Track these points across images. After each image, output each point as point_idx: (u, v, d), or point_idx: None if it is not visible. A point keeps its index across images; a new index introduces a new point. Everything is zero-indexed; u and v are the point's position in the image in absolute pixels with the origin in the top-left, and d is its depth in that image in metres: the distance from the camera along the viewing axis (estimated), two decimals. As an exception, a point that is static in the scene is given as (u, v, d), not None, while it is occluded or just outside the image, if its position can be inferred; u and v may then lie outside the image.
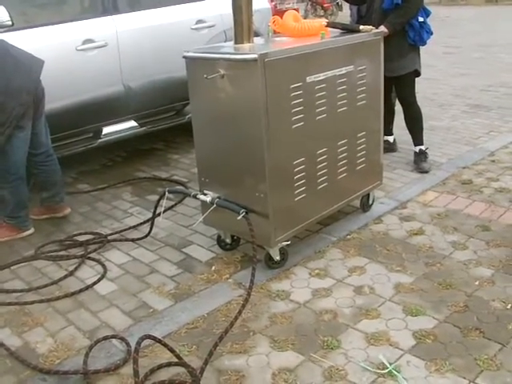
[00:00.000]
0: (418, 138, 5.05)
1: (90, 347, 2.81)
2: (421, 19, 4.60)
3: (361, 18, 4.73)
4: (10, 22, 4.07)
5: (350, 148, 3.76)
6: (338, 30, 3.80)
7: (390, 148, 5.33)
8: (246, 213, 3.25)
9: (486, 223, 3.93)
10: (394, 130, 5.43)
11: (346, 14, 6.02)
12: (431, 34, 4.71)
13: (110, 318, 3.11)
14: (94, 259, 3.74)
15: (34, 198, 4.31)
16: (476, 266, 3.40)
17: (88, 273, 3.60)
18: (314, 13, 16.19)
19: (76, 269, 3.63)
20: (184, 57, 3.37)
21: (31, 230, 4.14)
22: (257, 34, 4.20)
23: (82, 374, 2.65)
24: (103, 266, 3.64)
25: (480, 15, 17.23)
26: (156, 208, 3.83)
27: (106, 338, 2.89)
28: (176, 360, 2.70)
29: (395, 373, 2.55)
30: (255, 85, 3.05)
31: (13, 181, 3.92)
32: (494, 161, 5.14)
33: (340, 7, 16.67)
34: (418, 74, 4.83)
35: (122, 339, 2.87)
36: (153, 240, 3.95)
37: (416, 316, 2.96)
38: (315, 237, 3.86)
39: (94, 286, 3.43)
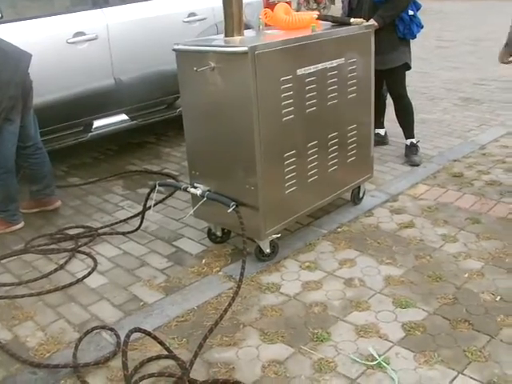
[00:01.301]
0: (409, 131, 5.06)
1: (80, 339, 2.82)
2: (411, 13, 4.60)
3: (351, 11, 4.73)
4: (-1, 15, 4.06)
5: (341, 141, 3.76)
6: (329, 23, 3.80)
7: (381, 141, 5.33)
8: (237, 206, 3.25)
9: (477, 216, 3.94)
10: (386, 123, 5.44)
11: (338, 8, 6.02)
12: (421, 27, 4.72)
13: (101, 312, 3.10)
14: (84, 253, 3.73)
15: (23, 192, 4.30)
16: (466, 259, 3.42)
17: (78, 266, 3.59)
18: (306, 6, 16.15)
19: (66, 262, 3.62)
20: (174, 49, 3.36)
21: (21, 224, 4.12)
22: (248, 27, 4.19)
23: (72, 367, 2.65)
24: (94, 259, 3.64)
25: (473, 9, 17.22)
26: (146, 201, 3.82)
27: (95, 329, 2.91)
28: (166, 353, 2.70)
29: (384, 365, 2.57)
30: (245, 77, 3.04)
31: (1, 174, 3.90)
32: (484, 154, 5.15)
33: (332, 0, 16.63)
34: (408, 67, 4.83)
35: (112, 330, 2.88)
36: (143, 233, 3.95)
37: (405, 308, 2.97)
38: (306, 230, 3.86)
39: (85, 280, 3.43)
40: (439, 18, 15.22)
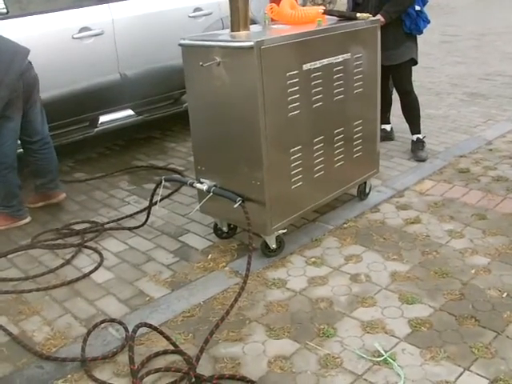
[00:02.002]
0: (415, 127, 5.05)
1: (88, 332, 2.83)
2: (417, 8, 4.57)
3: (357, 6, 4.71)
4: (5, 10, 4.06)
5: (347, 136, 3.75)
6: (335, 18, 3.79)
7: (387, 136, 5.32)
8: (243, 201, 3.25)
9: (483, 212, 3.93)
10: (392, 119, 5.42)
11: (344, 3, 6.01)
12: (428, 22, 4.69)
13: (107, 307, 3.11)
14: (90, 248, 3.74)
15: (29, 187, 4.31)
16: (472, 255, 3.41)
17: (85, 261, 3.60)
18: (312, 1, 16.10)
19: (73, 257, 3.63)
20: (180, 44, 3.36)
21: (28, 219, 4.13)
22: (254, 22, 4.19)
23: (80, 361, 2.66)
24: (100, 254, 3.64)
25: (478, 3, 17.13)
26: (152, 196, 3.82)
27: (103, 322, 2.92)
28: (172, 348, 2.71)
29: (390, 360, 2.56)
30: (251, 72, 3.04)
31: (1, 170, 3.90)
32: (491, 149, 5.13)
33: (338, -5, 16.56)
34: (415, 62, 4.81)
35: (120, 323, 2.90)
36: (149, 228, 3.95)
37: (412, 304, 2.97)
38: (312, 225, 3.86)
39: (91, 275, 3.43)
40: (444, 13, 15.16)
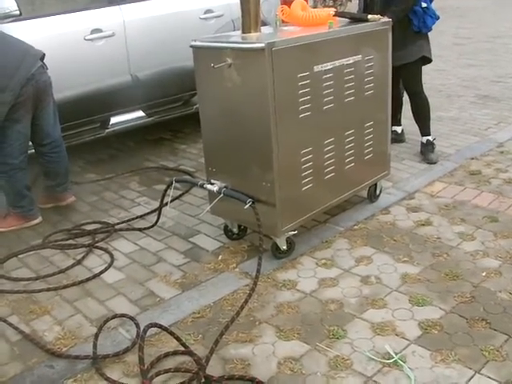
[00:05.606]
0: (424, 128, 5.02)
1: (100, 328, 2.86)
2: (424, 5, 4.53)
3: (367, 7, 4.70)
4: (17, 12, 4.08)
5: (358, 138, 3.74)
6: (346, 20, 3.79)
7: (397, 138, 5.30)
8: (253, 202, 3.25)
9: (494, 214, 3.91)
10: (403, 121, 5.40)
11: (354, 4, 5.97)
12: (436, 18, 4.63)
13: (117, 307, 3.12)
14: (101, 248, 3.76)
15: (40, 187, 4.34)
16: (483, 257, 3.39)
17: (95, 262, 3.62)
18: (323, 3, 16.07)
19: (83, 258, 3.65)
20: (191, 46, 3.37)
21: (39, 219, 4.15)
22: (265, 24, 4.19)
23: (92, 358, 2.68)
24: (110, 255, 3.66)
25: (490, 6, 17.03)
26: (163, 197, 3.83)
27: (115, 317, 2.96)
28: (182, 348, 2.71)
29: (401, 363, 2.56)
30: (262, 74, 3.04)
31: (8, 171, 3.92)
32: (502, 152, 5.10)
33: (349, -3, 16.52)
34: (429, 60, 4.77)
35: (132, 319, 2.92)
36: (160, 229, 3.96)
37: (422, 306, 2.96)
38: (322, 227, 3.86)
39: (102, 275, 3.45)
40: (456, 15, 15.09)
